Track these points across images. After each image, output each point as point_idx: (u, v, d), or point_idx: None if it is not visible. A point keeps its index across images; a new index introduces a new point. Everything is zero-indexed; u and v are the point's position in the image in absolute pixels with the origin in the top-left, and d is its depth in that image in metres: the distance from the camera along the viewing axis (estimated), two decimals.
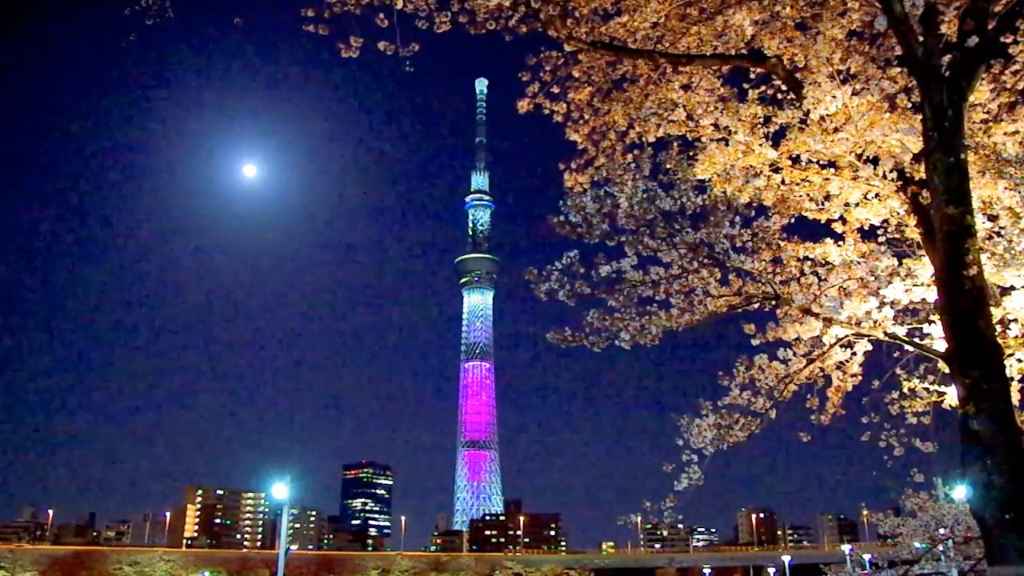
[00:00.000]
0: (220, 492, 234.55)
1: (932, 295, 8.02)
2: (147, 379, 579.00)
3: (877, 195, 8.46)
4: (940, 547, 36.13)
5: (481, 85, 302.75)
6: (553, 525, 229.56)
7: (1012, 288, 8.06)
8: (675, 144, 8.99)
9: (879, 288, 8.27)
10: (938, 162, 6.83)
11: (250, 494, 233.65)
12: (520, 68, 8.91)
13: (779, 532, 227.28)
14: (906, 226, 8.29)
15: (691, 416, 8.97)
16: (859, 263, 8.42)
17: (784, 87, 8.61)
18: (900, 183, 7.98)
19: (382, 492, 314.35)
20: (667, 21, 8.50)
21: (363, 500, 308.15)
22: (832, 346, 8.70)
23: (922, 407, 8.92)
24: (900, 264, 8.32)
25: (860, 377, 9.04)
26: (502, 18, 8.33)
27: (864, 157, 8.16)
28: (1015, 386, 7.92)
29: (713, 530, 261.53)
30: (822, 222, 8.89)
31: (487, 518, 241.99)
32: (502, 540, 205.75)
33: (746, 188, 8.70)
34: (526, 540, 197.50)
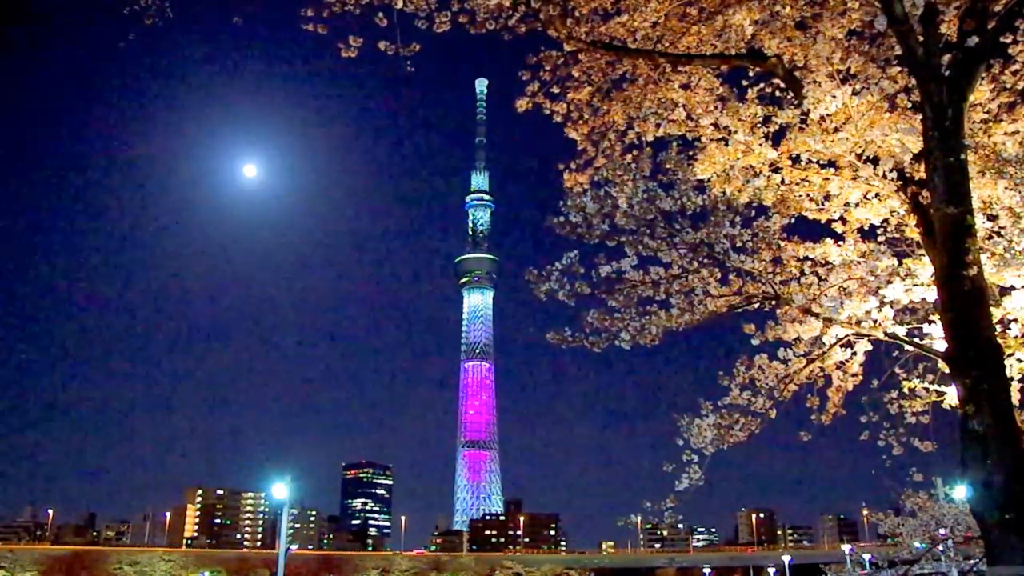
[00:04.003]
0: (220, 492, 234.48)
1: (932, 295, 8.01)
2: (147, 379, 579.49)
3: (877, 195, 8.46)
4: (940, 547, 36.15)
5: (481, 85, 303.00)
6: (553, 525, 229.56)
7: (1012, 288, 8.06)
8: (675, 144, 8.98)
9: (879, 288, 8.27)
10: (938, 162, 6.83)
11: (250, 494, 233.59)
12: (520, 68, 8.91)
13: (779, 532, 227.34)
14: (906, 226, 8.29)
15: (691, 416, 8.96)
16: (859, 263, 8.41)
17: (784, 87, 8.60)
18: (900, 183, 7.98)
19: (382, 492, 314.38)
20: (667, 21, 8.50)
21: (363, 500, 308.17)
22: (832, 346, 8.70)
23: (922, 407, 8.91)
24: (900, 264, 8.32)
25: (860, 377, 9.03)
26: (502, 18, 8.33)
27: (864, 157, 8.16)
28: (1015, 386, 7.91)
29: (713, 530, 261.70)
30: (822, 222, 8.89)
31: (487, 518, 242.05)
32: (502, 540, 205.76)
33: (746, 188, 8.70)
34: (526, 540, 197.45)
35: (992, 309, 7.39)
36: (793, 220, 8.88)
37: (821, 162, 8.50)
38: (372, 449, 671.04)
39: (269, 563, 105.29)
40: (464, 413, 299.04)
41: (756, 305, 8.63)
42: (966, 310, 6.63)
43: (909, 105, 7.94)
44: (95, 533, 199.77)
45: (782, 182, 8.76)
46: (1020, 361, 8.26)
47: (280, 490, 34.94)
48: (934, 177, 6.89)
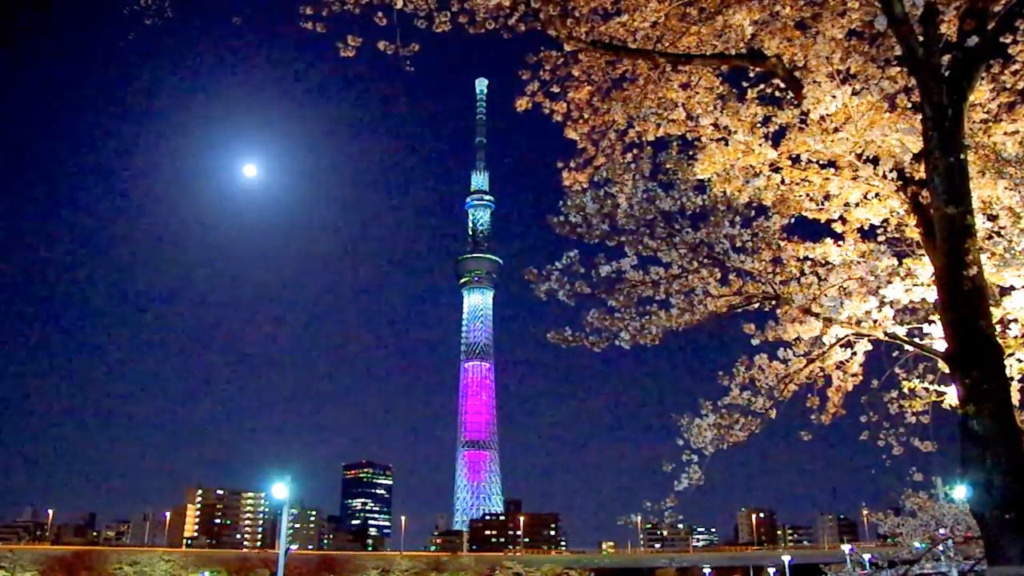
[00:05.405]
0: (220, 492, 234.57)
1: (932, 295, 8.01)
2: (147, 379, 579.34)
3: (877, 195, 8.45)
4: (940, 547, 36.16)
5: (481, 85, 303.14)
6: (553, 525, 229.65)
7: (1012, 288, 8.05)
8: (675, 144, 8.98)
9: (879, 288, 8.27)
10: (938, 162, 6.83)
11: (250, 494, 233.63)
12: (520, 68, 8.90)
13: (779, 532, 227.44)
14: (906, 226, 8.29)
15: (691, 416, 8.96)
16: (859, 263, 8.41)
17: (784, 87, 8.60)
18: (900, 183, 7.98)
19: (382, 492, 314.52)
20: (667, 21, 8.49)
21: (363, 500, 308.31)
22: (832, 346, 8.69)
23: (922, 407, 8.91)
24: (900, 264, 8.31)
25: (860, 377, 9.03)
26: (501, 17, 8.32)
27: (864, 157, 8.15)
28: (1015, 386, 7.91)
29: (713, 530, 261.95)
30: (822, 222, 8.88)
31: (487, 518, 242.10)
32: (502, 540, 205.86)
33: (746, 188, 8.70)
34: (526, 540, 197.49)
35: (992, 309, 7.38)
36: (793, 220, 8.88)
37: (821, 162, 8.50)
38: (372, 449, 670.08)
39: (269, 563, 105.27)
40: (464, 413, 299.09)
41: (756, 305, 8.62)
42: (966, 310, 6.63)
43: (909, 105, 7.93)
44: (95, 533, 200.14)
45: (782, 182, 8.75)
46: (1020, 361, 8.26)
47: (280, 490, 34.95)
48: (934, 177, 6.89)
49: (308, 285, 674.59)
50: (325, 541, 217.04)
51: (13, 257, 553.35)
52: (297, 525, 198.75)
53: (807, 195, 8.78)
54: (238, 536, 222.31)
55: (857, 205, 8.63)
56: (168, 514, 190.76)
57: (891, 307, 8.27)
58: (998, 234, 8.30)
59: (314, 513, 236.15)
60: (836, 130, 8.01)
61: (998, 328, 7.68)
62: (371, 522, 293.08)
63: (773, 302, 8.53)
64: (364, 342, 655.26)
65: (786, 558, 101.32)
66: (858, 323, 8.29)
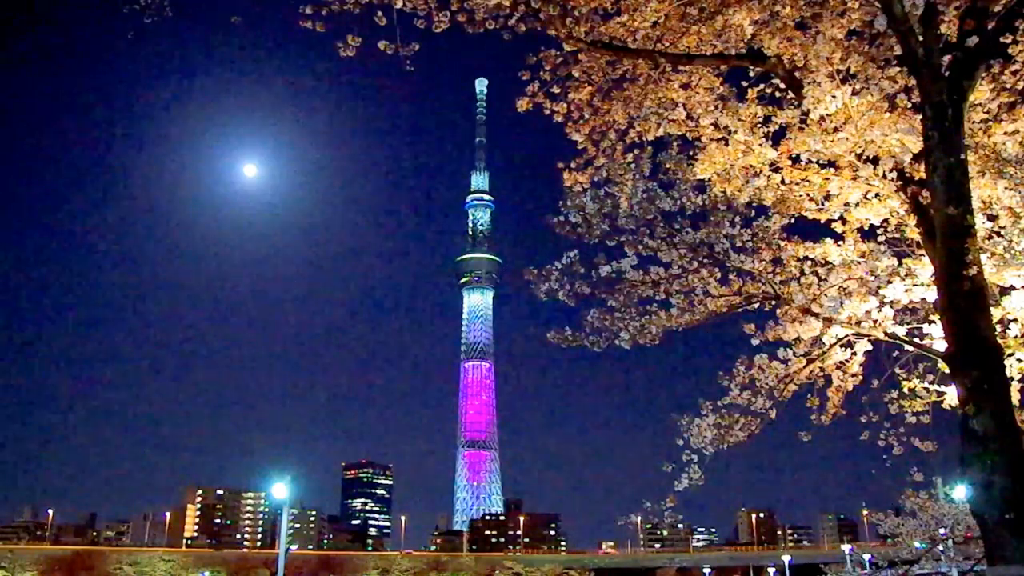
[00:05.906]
0: (220, 492, 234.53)
1: (932, 295, 8.01)
2: (148, 379, 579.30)
3: (877, 195, 8.45)
4: (940, 547, 36.16)
5: (481, 85, 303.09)
6: (553, 525, 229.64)
7: (1012, 288, 8.06)
8: (675, 144, 8.97)
9: (879, 288, 8.27)
10: (938, 162, 6.82)
11: (250, 494, 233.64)
12: (520, 68, 8.89)
13: (779, 532, 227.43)
14: (906, 226, 8.29)
15: (691, 416, 8.96)
16: (859, 263, 8.41)
17: (784, 87, 8.60)
18: (900, 183, 7.98)
19: (382, 492, 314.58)
20: (667, 21, 8.48)
21: (363, 500, 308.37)
22: (832, 346, 8.69)
23: (922, 407, 8.90)
24: (900, 264, 8.31)
25: (860, 377, 9.03)
26: (501, 17, 8.32)
27: (864, 157, 8.15)
28: (1015, 386, 7.91)
29: (713, 530, 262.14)
30: (822, 222, 8.88)
31: (487, 518, 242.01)
32: (502, 540, 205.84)
33: (746, 188, 8.69)
34: (526, 540, 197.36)
35: (992, 309, 7.38)
36: (793, 220, 8.88)
37: (821, 162, 8.50)
38: (372, 449, 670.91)
39: (269, 563, 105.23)
40: (464, 413, 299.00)
41: (756, 305, 8.63)
42: (966, 310, 6.62)
43: (909, 105, 7.93)
44: (95, 533, 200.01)
45: (782, 182, 8.75)
46: (1020, 361, 8.26)
47: (280, 490, 34.97)
48: (934, 177, 6.88)
49: (308, 285, 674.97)
50: (325, 541, 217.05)
51: (12, 257, 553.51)
52: (297, 525, 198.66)
53: (807, 195, 8.78)
54: (238, 536, 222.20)
55: (857, 205, 8.63)
56: (168, 514, 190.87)
57: (891, 307, 8.27)
58: (998, 234, 8.30)
59: (314, 513, 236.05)
60: (836, 130, 8.01)
61: (998, 328, 7.68)
62: (371, 522, 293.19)
63: (773, 302, 8.53)
64: (364, 342, 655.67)
65: (786, 558, 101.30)
66: (858, 323, 8.29)
